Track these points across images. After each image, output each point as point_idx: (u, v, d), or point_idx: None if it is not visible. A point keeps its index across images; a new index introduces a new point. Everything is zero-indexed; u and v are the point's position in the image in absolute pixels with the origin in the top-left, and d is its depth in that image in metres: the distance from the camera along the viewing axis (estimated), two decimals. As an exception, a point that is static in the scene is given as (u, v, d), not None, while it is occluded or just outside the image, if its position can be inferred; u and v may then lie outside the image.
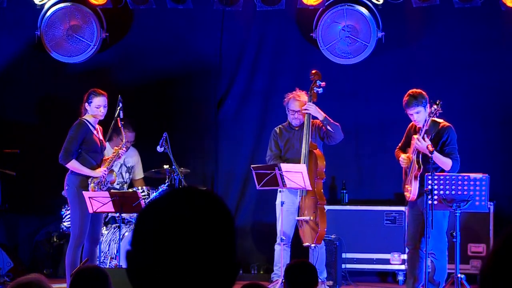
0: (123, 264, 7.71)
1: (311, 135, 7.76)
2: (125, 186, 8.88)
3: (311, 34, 9.00)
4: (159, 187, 8.44)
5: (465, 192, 6.84)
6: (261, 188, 7.57)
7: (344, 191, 9.02)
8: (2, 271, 8.53)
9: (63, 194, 7.59)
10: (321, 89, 7.78)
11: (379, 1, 8.86)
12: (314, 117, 7.81)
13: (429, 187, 6.78)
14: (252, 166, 7.70)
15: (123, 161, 8.83)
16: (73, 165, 7.28)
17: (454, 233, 6.88)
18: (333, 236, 8.26)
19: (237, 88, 9.37)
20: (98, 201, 7.18)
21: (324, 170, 7.72)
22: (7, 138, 9.26)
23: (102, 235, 7.95)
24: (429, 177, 6.80)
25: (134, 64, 9.45)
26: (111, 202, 7.23)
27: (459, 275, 6.95)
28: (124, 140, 7.61)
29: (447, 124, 7.15)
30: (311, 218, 7.64)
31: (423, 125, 6.97)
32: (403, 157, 7.22)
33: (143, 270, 1.66)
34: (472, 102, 9.02)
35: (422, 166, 6.99)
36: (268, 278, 8.10)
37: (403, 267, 8.53)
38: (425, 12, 8.99)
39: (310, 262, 5.96)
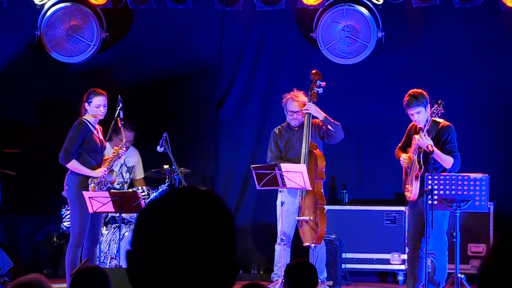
0: (123, 264, 7.71)
1: (311, 134, 7.75)
2: (126, 186, 8.88)
3: (311, 34, 9.00)
4: (159, 187, 8.43)
5: (465, 192, 6.84)
6: (261, 188, 7.56)
7: (344, 191, 9.02)
8: (2, 271, 8.53)
9: (63, 194, 7.58)
10: (321, 89, 7.77)
11: (379, 1, 8.85)
12: (314, 117, 7.81)
13: (429, 187, 6.78)
14: (252, 166, 7.70)
15: (124, 161, 8.82)
16: (73, 165, 7.28)
17: (454, 233, 6.88)
18: (333, 236, 8.26)
19: (237, 88, 9.36)
20: (98, 201, 7.18)
21: (324, 170, 7.71)
22: (7, 138, 9.26)
23: (102, 235, 7.95)
24: (429, 177, 6.80)
25: (134, 64, 9.45)
26: (111, 202, 7.23)
27: (459, 275, 6.95)
28: (124, 140, 7.62)
29: (447, 123, 7.14)
30: (311, 218, 7.63)
31: (425, 125, 6.95)
32: (404, 157, 7.21)
33: (143, 270, 1.66)
34: (472, 102, 9.01)
35: (423, 166, 6.98)
36: (268, 278, 8.09)
37: (403, 267, 8.52)
38: (425, 12, 8.98)
39: (310, 262, 5.95)
